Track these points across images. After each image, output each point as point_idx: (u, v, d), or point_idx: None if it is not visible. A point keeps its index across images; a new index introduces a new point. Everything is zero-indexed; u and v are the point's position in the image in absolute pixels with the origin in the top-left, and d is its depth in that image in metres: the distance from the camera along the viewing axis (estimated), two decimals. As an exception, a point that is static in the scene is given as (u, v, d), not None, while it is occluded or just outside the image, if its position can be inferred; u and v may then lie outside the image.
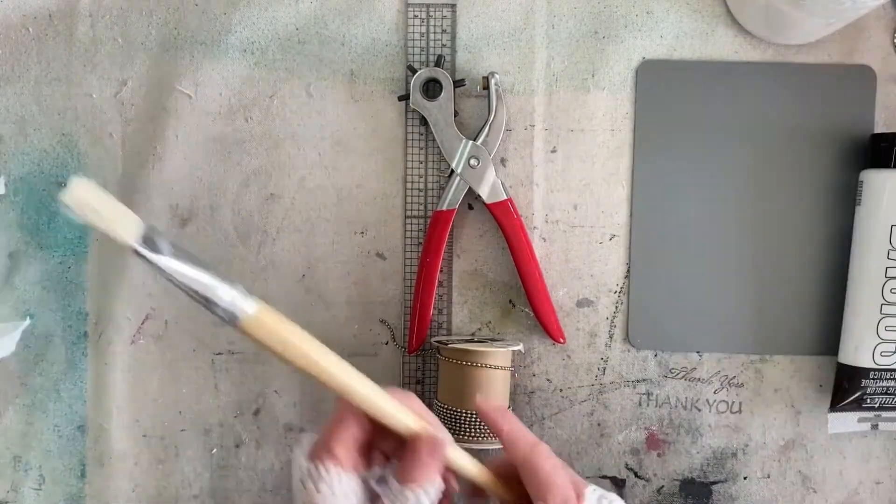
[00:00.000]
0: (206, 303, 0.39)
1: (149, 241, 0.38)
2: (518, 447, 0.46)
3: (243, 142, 0.62)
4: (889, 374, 0.58)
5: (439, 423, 0.46)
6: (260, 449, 0.63)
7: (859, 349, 0.58)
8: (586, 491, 0.45)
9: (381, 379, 0.63)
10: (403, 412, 0.44)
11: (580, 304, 0.62)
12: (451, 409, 0.58)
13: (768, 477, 0.62)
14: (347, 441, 0.43)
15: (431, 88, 0.60)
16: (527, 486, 0.45)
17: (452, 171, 0.60)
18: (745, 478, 0.62)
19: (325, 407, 0.63)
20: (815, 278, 0.61)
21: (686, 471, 0.62)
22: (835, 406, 0.60)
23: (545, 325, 0.60)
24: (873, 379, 0.58)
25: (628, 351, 0.62)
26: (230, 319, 0.39)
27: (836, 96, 0.61)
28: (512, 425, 0.47)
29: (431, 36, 0.61)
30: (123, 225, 0.37)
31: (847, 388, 0.59)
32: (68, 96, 0.62)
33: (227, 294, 0.39)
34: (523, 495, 0.45)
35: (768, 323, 0.62)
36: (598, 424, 0.62)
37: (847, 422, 0.62)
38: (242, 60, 0.62)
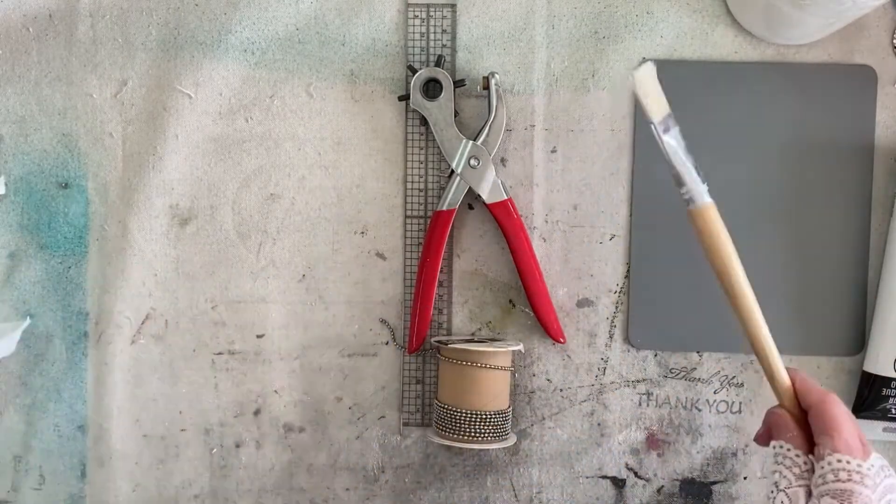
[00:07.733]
0: (677, 181, 0.50)
1: (664, 123, 0.49)
2: (812, 394, 0.49)
3: (243, 142, 0.62)
4: None
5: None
6: (260, 449, 0.63)
7: (883, 358, 0.58)
8: (873, 456, 0.46)
9: (381, 379, 0.63)
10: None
11: (580, 304, 0.62)
12: (451, 409, 0.58)
13: (768, 477, 0.62)
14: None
15: (431, 88, 0.60)
16: (814, 425, 0.48)
17: (452, 171, 0.60)
18: (745, 478, 0.62)
19: (326, 407, 0.63)
20: (815, 278, 0.61)
21: (686, 471, 0.62)
22: (857, 414, 0.59)
23: (545, 325, 0.60)
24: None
25: (628, 351, 0.62)
26: (687, 202, 0.49)
27: (836, 96, 0.61)
28: (804, 375, 0.51)
29: (431, 36, 0.61)
30: (656, 106, 0.49)
31: (867, 396, 0.59)
32: (68, 96, 0.62)
33: (692, 182, 0.49)
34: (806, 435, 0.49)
35: (768, 322, 0.61)
36: (599, 424, 0.62)
37: (870, 431, 0.60)
38: (242, 60, 0.62)
